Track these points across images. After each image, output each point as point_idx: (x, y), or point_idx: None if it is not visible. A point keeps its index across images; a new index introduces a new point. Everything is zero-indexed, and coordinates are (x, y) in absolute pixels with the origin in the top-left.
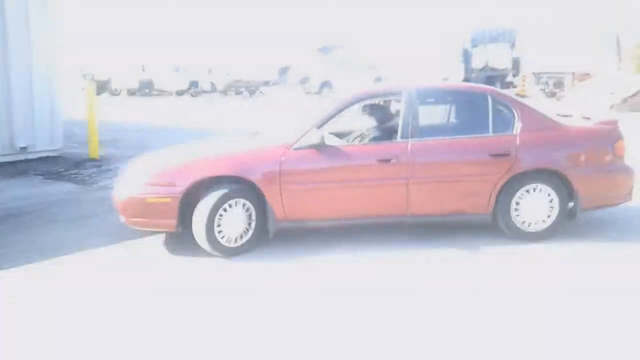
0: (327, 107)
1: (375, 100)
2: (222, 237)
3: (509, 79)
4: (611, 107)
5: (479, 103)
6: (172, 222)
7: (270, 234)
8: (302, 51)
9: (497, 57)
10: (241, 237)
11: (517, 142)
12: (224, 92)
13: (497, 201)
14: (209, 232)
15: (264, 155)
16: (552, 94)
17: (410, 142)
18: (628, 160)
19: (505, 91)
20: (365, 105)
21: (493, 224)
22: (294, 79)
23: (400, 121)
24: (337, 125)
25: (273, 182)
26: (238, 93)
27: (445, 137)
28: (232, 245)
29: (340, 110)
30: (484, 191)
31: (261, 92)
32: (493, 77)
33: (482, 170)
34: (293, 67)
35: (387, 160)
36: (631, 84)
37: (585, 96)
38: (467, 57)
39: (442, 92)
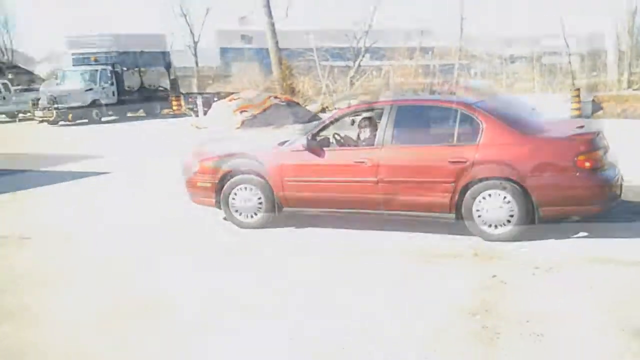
0: (323, 119)
1: (365, 114)
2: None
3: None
4: (242, 122)
5: (450, 116)
6: (212, 200)
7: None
8: None
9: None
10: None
11: (477, 151)
12: None
13: (459, 204)
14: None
15: (269, 154)
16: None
17: (383, 148)
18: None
19: (479, 106)
20: (354, 118)
21: (460, 225)
22: None
23: (379, 130)
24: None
25: (276, 174)
26: None
27: (414, 145)
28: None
29: (333, 121)
30: (445, 193)
31: None
32: (152, 97)
33: (443, 175)
34: None
35: (362, 162)
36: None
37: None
38: (118, 77)
39: (420, 107)
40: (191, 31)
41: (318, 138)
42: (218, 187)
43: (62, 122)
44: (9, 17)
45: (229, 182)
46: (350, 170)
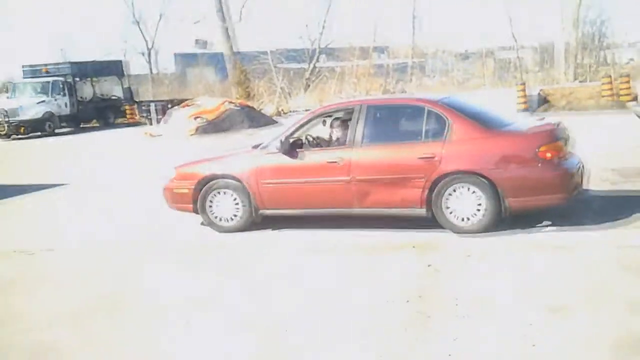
0: (295, 121)
1: (337, 114)
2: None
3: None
4: (197, 129)
5: (417, 114)
6: (190, 207)
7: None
8: None
9: (107, 89)
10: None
11: (444, 147)
12: None
13: (429, 198)
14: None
15: (244, 157)
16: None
17: (354, 148)
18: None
19: (445, 103)
20: (325, 119)
21: (431, 219)
22: None
23: (350, 130)
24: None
25: (251, 178)
26: None
27: (384, 143)
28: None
29: (305, 123)
30: (415, 189)
31: None
32: (105, 106)
33: (412, 171)
34: None
35: (335, 162)
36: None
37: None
38: (70, 88)
39: (389, 106)
40: (144, 38)
41: (291, 140)
42: (195, 192)
43: (14, 136)
44: None
45: (205, 187)
46: (324, 171)
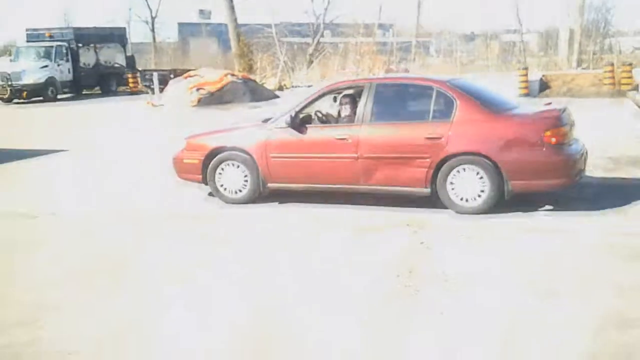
0: (305, 96)
1: (346, 91)
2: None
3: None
4: (199, 100)
5: (426, 95)
6: (199, 177)
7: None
8: None
9: (110, 56)
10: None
11: (450, 128)
12: None
13: (434, 178)
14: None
15: (253, 131)
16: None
17: (363, 125)
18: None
19: (453, 84)
20: (335, 95)
21: (435, 198)
22: None
23: (359, 108)
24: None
25: (260, 151)
26: None
27: (392, 122)
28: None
29: (315, 99)
30: (420, 169)
31: None
32: (108, 74)
33: (418, 151)
34: None
35: (344, 139)
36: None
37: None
38: (74, 54)
39: (399, 85)
40: (148, 5)
41: (301, 115)
42: (204, 163)
43: (16, 100)
44: None
45: (215, 159)
46: (332, 147)
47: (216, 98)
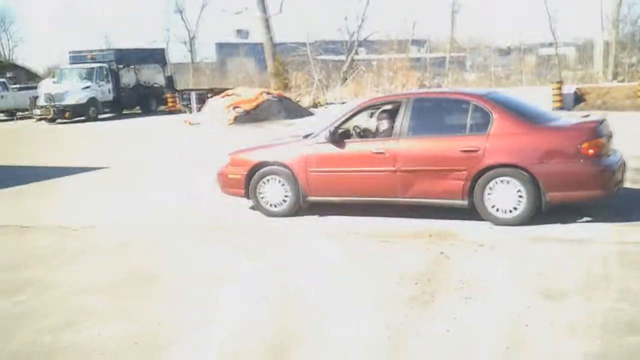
0: (343, 112)
1: (384, 107)
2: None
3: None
4: (235, 118)
5: (462, 108)
6: (241, 191)
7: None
8: None
9: (150, 76)
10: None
11: (487, 140)
12: None
13: (471, 190)
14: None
15: (294, 146)
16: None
17: (400, 139)
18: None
19: (489, 98)
20: (373, 111)
21: (473, 210)
22: None
23: (396, 123)
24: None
25: (300, 166)
26: None
27: (429, 135)
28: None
29: (353, 115)
30: (457, 181)
31: None
32: (147, 94)
33: (455, 164)
34: None
35: (381, 153)
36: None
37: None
38: (114, 75)
39: (435, 100)
40: (187, 27)
41: (340, 130)
42: (247, 178)
43: (59, 120)
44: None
45: (257, 174)
46: (370, 161)
47: (252, 116)
